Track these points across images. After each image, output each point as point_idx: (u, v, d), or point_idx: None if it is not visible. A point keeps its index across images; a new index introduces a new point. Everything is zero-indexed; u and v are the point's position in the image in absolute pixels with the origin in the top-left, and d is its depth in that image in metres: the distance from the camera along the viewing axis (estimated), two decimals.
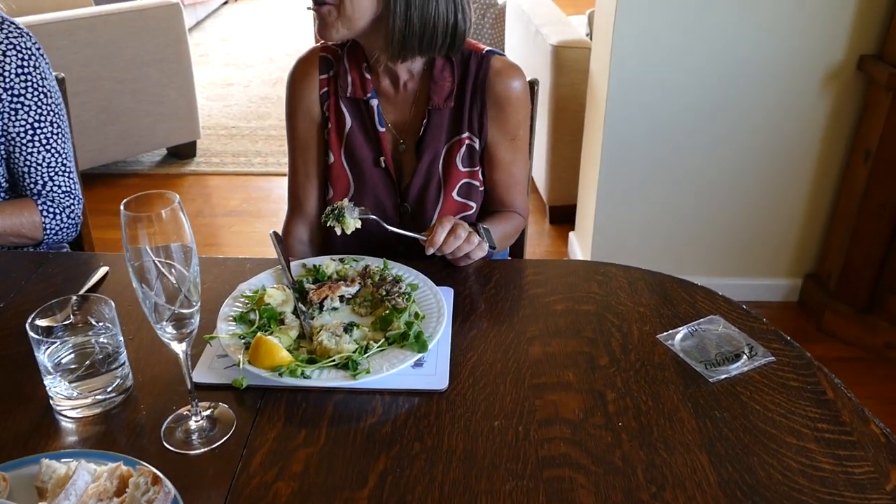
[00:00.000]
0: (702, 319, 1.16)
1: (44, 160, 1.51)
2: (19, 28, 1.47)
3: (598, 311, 1.20)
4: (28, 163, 1.50)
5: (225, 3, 7.40)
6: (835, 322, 2.60)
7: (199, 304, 0.90)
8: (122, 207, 0.82)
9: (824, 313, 2.63)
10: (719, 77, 2.44)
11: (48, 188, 1.52)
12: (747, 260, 2.78)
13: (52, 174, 1.52)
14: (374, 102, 1.43)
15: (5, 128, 1.47)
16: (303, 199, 1.53)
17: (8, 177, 1.53)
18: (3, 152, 1.50)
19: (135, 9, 3.56)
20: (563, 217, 3.32)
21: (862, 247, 2.48)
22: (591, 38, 3.15)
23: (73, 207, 1.55)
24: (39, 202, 1.51)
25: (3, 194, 1.54)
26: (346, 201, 1.25)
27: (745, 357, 1.07)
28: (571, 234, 3.16)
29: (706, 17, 2.34)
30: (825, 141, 2.54)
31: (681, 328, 1.14)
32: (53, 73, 1.65)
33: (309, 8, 1.30)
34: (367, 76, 1.42)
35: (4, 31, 1.45)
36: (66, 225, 1.54)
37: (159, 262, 0.86)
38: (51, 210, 1.52)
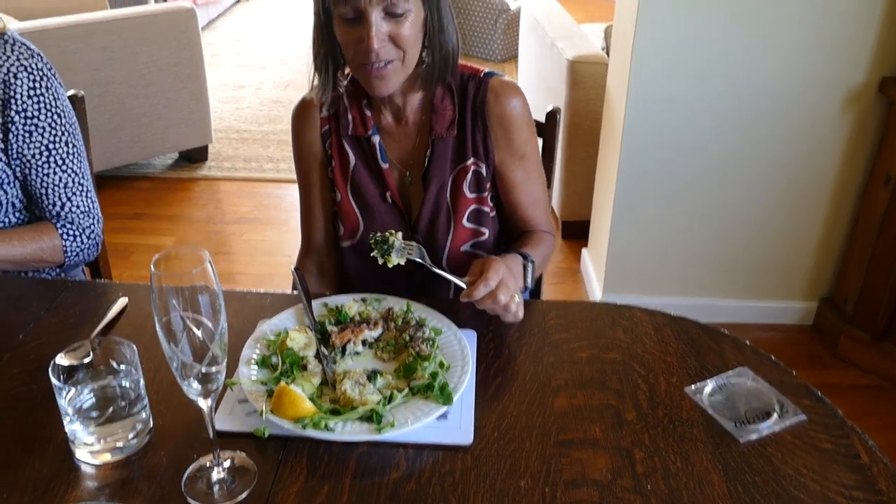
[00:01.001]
0: (730, 372, 1.14)
1: (60, 181, 1.49)
2: (30, 49, 1.45)
3: (623, 360, 1.18)
4: (45, 184, 1.48)
5: (237, 1, 7.38)
6: (851, 348, 2.58)
7: (225, 360, 0.89)
8: (152, 267, 0.81)
9: (840, 339, 2.61)
10: (739, 98, 2.41)
11: (66, 209, 1.50)
12: (762, 282, 2.76)
13: (69, 195, 1.50)
14: (376, 139, 1.42)
15: (20, 150, 1.46)
16: (310, 234, 1.53)
17: (24, 198, 1.52)
18: (18, 174, 1.48)
19: (149, 13, 3.55)
20: (575, 233, 3.30)
21: (880, 272, 2.45)
22: (607, 53, 3.13)
23: (93, 227, 1.54)
24: (59, 225, 1.50)
25: (18, 215, 1.53)
26: (399, 237, 1.21)
27: (775, 415, 1.06)
28: (584, 250, 3.14)
29: (727, 37, 2.32)
30: (844, 164, 2.51)
31: (708, 381, 1.12)
32: (70, 91, 1.64)
33: (362, 65, 1.27)
34: (368, 113, 1.42)
35: (16, 53, 1.43)
36: (87, 246, 1.53)
37: (187, 317, 0.84)
38: (71, 232, 1.51)
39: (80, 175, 1.53)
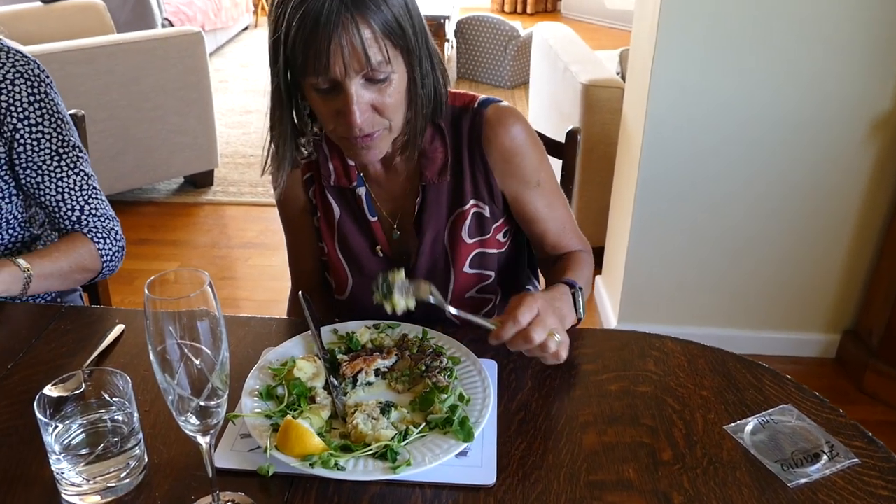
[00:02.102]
0: (773, 409, 1.05)
1: (75, 184, 1.44)
2: (25, 56, 1.41)
3: (656, 394, 1.09)
4: (59, 189, 1.43)
5: (245, 28, 7.39)
6: (877, 383, 2.48)
7: (227, 392, 0.80)
8: (146, 290, 0.73)
9: (865, 373, 2.51)
10: (761, 125, 2.35)
11: (86, 213, 1.45)
12: (782, 313, 2.67)
13: (86, 198, 1.45)
14: (362, 190, 1.29)
15: (30, 159, 1.41)
16: (298, 276, 1.46)
17: (21, 214, 1.47)
18: (29, 184, 1.43)
19: (157, 37, 3.51)
20: None
21: None
22: (622, 78, 3.08)
23: (115, 229, 1.49)
24: (84, 230, 1.45)
25: (12, 232, 1.47)
26: (400, 275, 1.06)
27: (825, 458, 0.97)
28: (598, 277, 3.06)
29: (748, 63, 2.26)
30: (869, 192, 2.43)
31: (750, 418, 1.04)
32: (71, 111, 1.59)
33: (344, 137, 1.12)
34: (350, 163, 1.28)
35: (11, 60, 1.39)
36: (116, 248, 1.47)
37: (185, 345, 0.77)
38: (99, 235, 1.45)
39: (92, 178, 1.48)
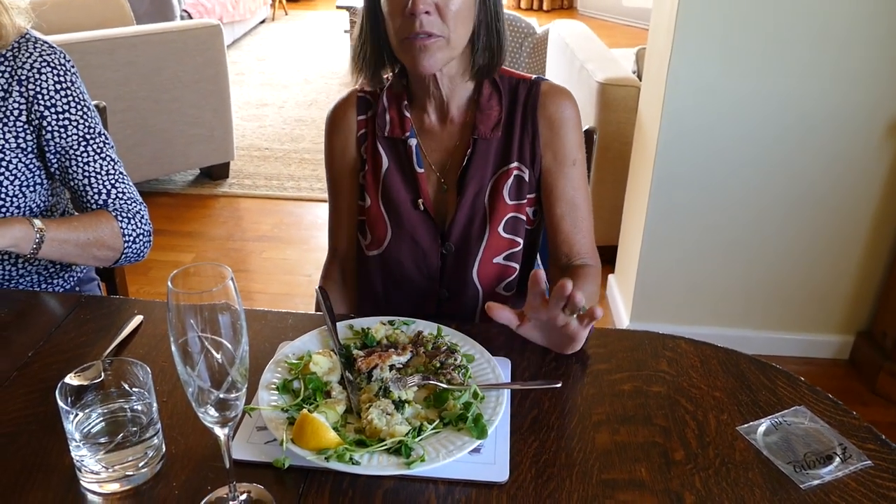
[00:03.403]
0: (786, 411, 1.06)
1: (102, 168, 1.47)
2: (52, 46, 1.44)
3: (669, 394, 1.10)
4: (87, 174, 1.45)
5: (262, 21, 7.41)
6: (891, 385, 2.47)
7: (245, 385, 0.82)
8: (169, 283, 0.74)
9: (879, 375, 2.50)
10: (777, 125, 2.34)
11: (113, 196, 1.47)
12: (796, 314, 2.66)
13: (113, 181, 1.47)
14: (413, 142, 1.36)
15: (59, 144, 1.43)
16: (336, 241, 1.49)
17: (50, 202, 1.50)
18: (57, 170, 1.46)
19: (176, 29, 3.53)
20: (602, 258, 3.20)
21: None
22: (638, 77, 3.07)
23: (141, 213, 1.50)
24: (110, 210, 1.47)
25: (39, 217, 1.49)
26: (390, 373, 1.06)
27: (837, 459, 0.97)
28: (611, 276, 3.06)
29: (765, 63, 2.25)
30: (885, 194, 2.42)
31: (763, 420, 1.04)
32: (94, 102, 1.61)
33: (406, 38, 1.21)
34: (407, 114, 1.36)
35: (38, 50, 1.41)
36: (141, 231, 1.49)
37: (206, 338, 0.78)
38: (124, 216, 1.47)
39: (119, 163, 1.51)
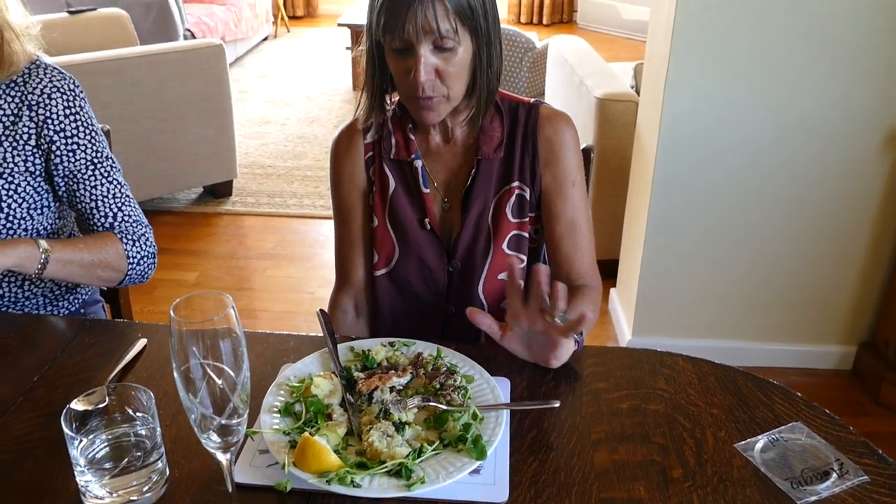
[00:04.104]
0: (783, 427, 1.07)
1: (108, 191, 1.49)
2: (62, 72, 1.47)
3: (667, 412, 1.11)
4: (93, 197, 1.48)
5: (265, 39, 7.47)
6: (894, 395, 2.47)
7: (247, 411, 0.83)
8: (171, 312, 0.76)
9: (881, 385, 2.50)
10: (775, 137, 2.35)
11: (119, 219, 1.49)
12: (798, 324, 2.67)
13: (119, 205, 1.50)
14: (419, 163, 1.40)
15: (67, 168, 1.46)
16: (348, 269, 1.48)
17: (57, 225, 1.52)
18: (64, 192, 1.48)
19: (179, 49, 3.57)
20: (603, 272, 3.18)
21: None
22: (637, 91, 3.09)
23: (146, 235, 1.52)
24: (115, 232, 1.49)
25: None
26: (391, 394, 1.07)
27: (834, 475, 0.98)
28: (613, 290, 3.06)
29: (762, 74, 2.27)
30: (884, 202, 2.43)
31: (760, 436, 1.05)
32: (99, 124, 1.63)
33: (410, 96, 1.28)
34: (412, 137, 1.40)
35: (48, 76, 1.44)
36: (146, 254, 1.51)
37: (207, 364, 0.79)
38: (129, 237, 1.49)
39: (125, 186, 1.53)
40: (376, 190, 1.43)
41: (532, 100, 1.41)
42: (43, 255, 1.35)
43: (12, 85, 1.42)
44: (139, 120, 3.50)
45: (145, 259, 1.51)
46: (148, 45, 3.65)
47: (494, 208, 1.39)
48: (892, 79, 2.26)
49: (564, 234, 1.39)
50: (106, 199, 1.48)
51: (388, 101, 1.40)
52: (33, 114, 1.42)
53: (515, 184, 1.38)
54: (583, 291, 1.38)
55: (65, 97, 1.45)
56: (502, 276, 1.40)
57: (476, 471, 0.98)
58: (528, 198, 1.39)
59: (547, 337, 1.13)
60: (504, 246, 1.39)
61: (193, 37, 5.44)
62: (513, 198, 1.39)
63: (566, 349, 1.16)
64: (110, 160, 1.51)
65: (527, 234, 1.41)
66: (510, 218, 1.39)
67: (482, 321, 1.14)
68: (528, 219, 1.40)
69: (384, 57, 1.28)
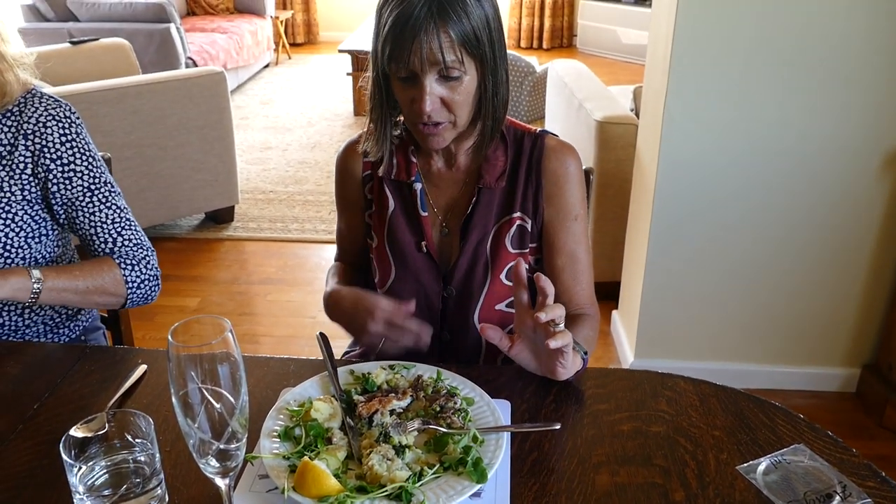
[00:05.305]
0: (785, 449, 1.06)
1: (108, 217, 1.50)
2: (57, 101, 1.48)
3: (668, 434, 1.10)
4: (93, 223, 1.49)
5: (266, 66, 7.53)
6: None
7: (246, 436, 0.83)
8: (169, 337, 0.76)
9: (885, 408, 2.49)
10: (774, 160, 2.36)
11: (119, 244, 1.50)
12: (800, 346, 2.66)
13: (119, 230, 1.50)
14: (419, 186, 1.40)
15: (64, 195, 1.47)
16: (348, 253, 1.57)
17: (56, 252, 1.53)
18: (63, 219, 1.49)
19: (180, 77, 3.60)
20: (605, 294, 3.21)
21: None
22: (636, 114, 3.11)
23: (148, 258, 1.53)
24: (115, 258, 1.49)
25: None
26: (391, 418, 1.07)
27: (838, 498, 0.97)
28: (614, 312, 3.06)
29: (761, 99, 2.28)
30: (885, 224, 2.44)
31: (762, 459, 1.04)
32: (99, 153, 1.64)
33: (415, 123, 1.28)
34: (413, 159, 1.40)
35: (44, 105, 1.45)
36: (147, 277, 1.51)
37: (206, 389, 0.79)
38: (128, 262, 1.49)
39: (126, 210, 1.54)
40: (375, 209, 1.44)
41: (538, 129, 1.40)
42: (35, 285, 1.36)
43: (8, 114, 1.43)
44: (141, 148, 3.52)
45: (146, 282, 1.51)
46: (149, 74, 3.69)
47: (494, 238, 1.38)
48: (890, 101, 2.27)
49: (565, 266, 1.40)
50: (105, 225, 1.49)
51: (393, 125, 1.40)
52: (29, 142, 1.43)
53: (517, 214, 1.38)
54: (581, 318, 1.39)
55: (60, 125, 1.46)
56: (500, 306, 1.40)
57: (477, 494, 0.98)
58: (529, 229, 1.39)
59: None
60: (502, 276, 1.39)
61: (195, 65, 5.49)
62: (513, 228, 1.38)
63: (572, 358, 1.16)
64: (109, 185, 1.52)
65: (526, 266, 1.39)
66: (510, 248, 1.38)
67: (493, 336, 1.16)
68: (528, 249, 1.40)
69: (390, 85, 1.28)
